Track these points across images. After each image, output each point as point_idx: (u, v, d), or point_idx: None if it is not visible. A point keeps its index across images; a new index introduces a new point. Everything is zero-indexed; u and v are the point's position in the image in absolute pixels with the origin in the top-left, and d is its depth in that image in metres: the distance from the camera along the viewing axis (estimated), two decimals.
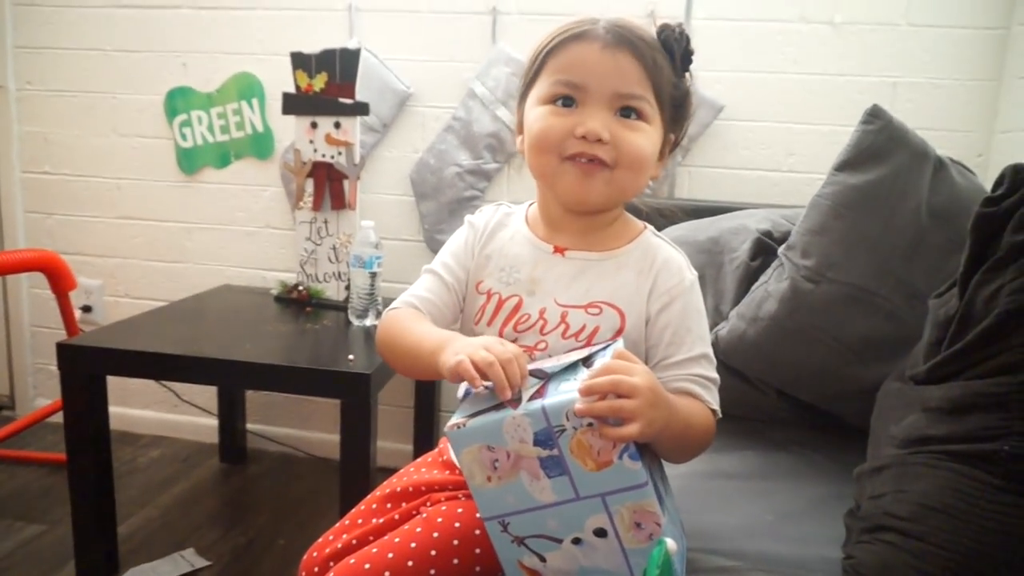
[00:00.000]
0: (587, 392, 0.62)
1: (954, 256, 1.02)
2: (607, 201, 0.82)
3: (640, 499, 0.63)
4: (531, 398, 0.64)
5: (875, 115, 1.15)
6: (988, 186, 0.91)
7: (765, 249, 1.26)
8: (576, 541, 0.66)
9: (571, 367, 0.68)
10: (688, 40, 0.83)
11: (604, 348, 0.71)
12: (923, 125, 1.68)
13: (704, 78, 1.77)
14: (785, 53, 1.75)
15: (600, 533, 0.65)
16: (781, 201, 1.70)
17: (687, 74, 0.84)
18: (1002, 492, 0.65)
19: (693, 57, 0.83)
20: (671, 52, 0.81)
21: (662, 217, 0.91)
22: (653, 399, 0.64)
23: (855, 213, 1.12)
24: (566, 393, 0.63)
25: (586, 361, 0.69)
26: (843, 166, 1.16)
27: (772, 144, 1.79)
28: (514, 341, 0.82)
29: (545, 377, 0.69)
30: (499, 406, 0.65)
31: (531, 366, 0.71)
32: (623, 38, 0.78)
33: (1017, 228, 0.70)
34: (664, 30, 0.82)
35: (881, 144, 1.13)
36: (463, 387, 0.73)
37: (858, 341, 1.12)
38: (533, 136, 0.81)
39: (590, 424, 0.61)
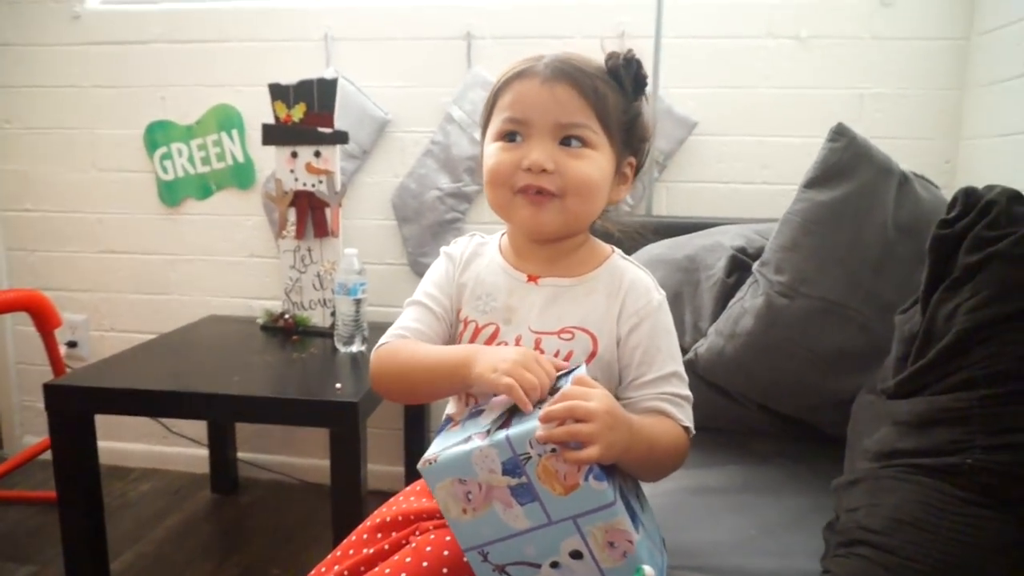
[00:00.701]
0: (546, 419, 0.64)
1: (920, 268, 1.05)
2: (562, 229, 0.84)
3: (610, 519, 0.65)
4: (498, 428, 0.67)
5: (840, 133, 1.18)
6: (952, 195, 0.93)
7: (740, 265, 1.29)
8: (554, 565, 0.68)
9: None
10: (639, 65, 0.85)
11: (568, 374, 0.73)
12: (892, 134, 1.74)
13: (677, 95, 1.81)
14: (755, 68, 1.79)
15: (576, 555, 0.67)
16: (757, 213, 1.73)
17: (643, 98, 0.86)
18: (968, 504, 0.67)
19: (647, 81, 0.86)
20: (618, 79, 0.83)
21: (629, 239, 0.93)
22: (611, 422, 0.66)
23: (824, 229, 1.15)
24: (528, 421, 0.65)
25: (552, 390, 0.71)
26: (811, 183, 1.19)
27: (746, 158, 1.83)
28: None
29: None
30: (468, 439, 0.67)
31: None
32: (560, 71, 0.81)
33: (970, 249, 0.73)
34: (610, 59, 0.84)
35: (847, 161, 1.16)
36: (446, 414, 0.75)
37: (833, 353, 1.15)
38: (487, 172, 0.84)
39: (553, 450, 0.64)
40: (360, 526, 0.99)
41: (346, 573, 0.90)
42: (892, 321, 0.99)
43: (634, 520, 0.68)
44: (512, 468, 0.65)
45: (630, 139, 0.87)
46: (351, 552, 0.95)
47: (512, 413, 0.69)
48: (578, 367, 0.74)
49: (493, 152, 0.84)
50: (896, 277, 1.12)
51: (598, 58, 0.85)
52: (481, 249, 0.93)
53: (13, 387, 2.23)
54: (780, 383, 1.20)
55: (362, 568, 0.89)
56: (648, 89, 0.88)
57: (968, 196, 0.77)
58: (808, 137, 1.77)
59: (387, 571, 0.85)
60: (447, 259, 0.93)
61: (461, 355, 0.77)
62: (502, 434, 0.65)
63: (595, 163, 0.82)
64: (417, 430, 1.95)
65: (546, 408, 0.64)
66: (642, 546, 0.67)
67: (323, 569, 0.93)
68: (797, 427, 1.27)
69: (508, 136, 0.83)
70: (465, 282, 0.90)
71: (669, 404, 0.80)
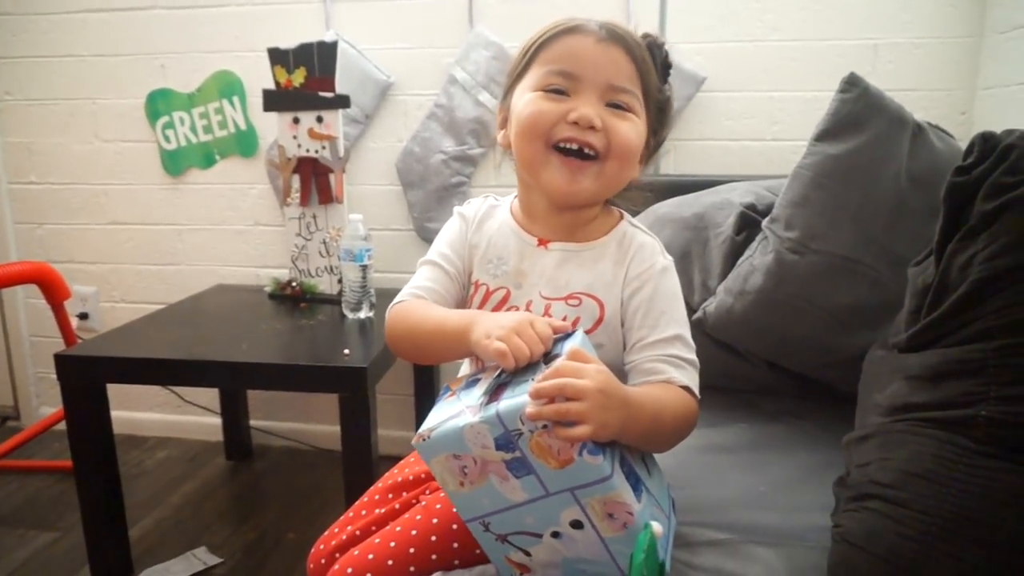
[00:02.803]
0: (536, 395, 0.62)
1: (935, 221, 1.02)
2: (594, 196, 0.83)
3: (608, 492, 0.63)
4: (489, 401, 0.65)
5: (852, 83, 1.15)
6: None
7: (749, 223, 1.27)
8: (555, 535, 0.67)
9: (531, 365, 0.68)
10: (667, 53, 0.86)
11: (567, 337, 0.71)
12: (905, 86, 1.69)
13: (684, 50, 1.77)
14: (764, 21, 1.74)
15: (576, 525, 0.66)
16: (766, 170, 1.70)
17: (667, 84, 0.86)
18: (981, 456, 0.66)
19: (671, 70, 0.87)
20: (654, 58, 0.84)
21: (631, 203, 0.91)
22: (604, 401, 0.63)
23: (836, 183, 1.13)
24: (518, 397, 0.63)
25: (548, 356, 0.69)
26: (822, 136, 1.16)
27: (755, 113, 1.79)
28: None
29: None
30: (461, 413, 0.66)
31: None
32: (616, 34, 0.80)
33: (987, 197, 0.70)
34: (647, 37, 0.84)
35: (859, 112, 1.13)
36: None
37: (844, 310, 1.13)
38: (523, 120, 0.81)
39: (545, 426, 0.62)
40: (372, 487, 1.01)
41: (358, 533, 0.92)
42: (905, 276, 0.97)
43: (636, 488, 0.68)
44: (505, 443, 0.63)
45: (659, 120, 0.86)
46: (363, 512, 0.96)
47: (508, 384, 0.67)
48: (576, 331, 0.72)
49: (532, 101, 0.81)
50: (909, 231, 1.10)
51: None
52: (493, 211, 0.92)
53: (27, 359, 2.25)
54: (790, 341, 1.19)
55: (374, 527, 0.91)
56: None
57: (986, 141, 0.75)
58: (819, 91, 1.73)
59: (398, 529, 0.86)
60: (460, 219, 0.92)
61: (464, 320, 0.76)
62: (492, 409, 0.63)
63: (638, 129, 0.81)
64: (427, 395, 1.96)
65: (536, 384, 0.62)
66: (643, 516, 0.66)
67: (336, 529, 0.95)
68: (806, 385, 1.26)
69: (553, 88, 0.80)
70: (477, 243, 0.89)
71: (670, 366, 0.78)
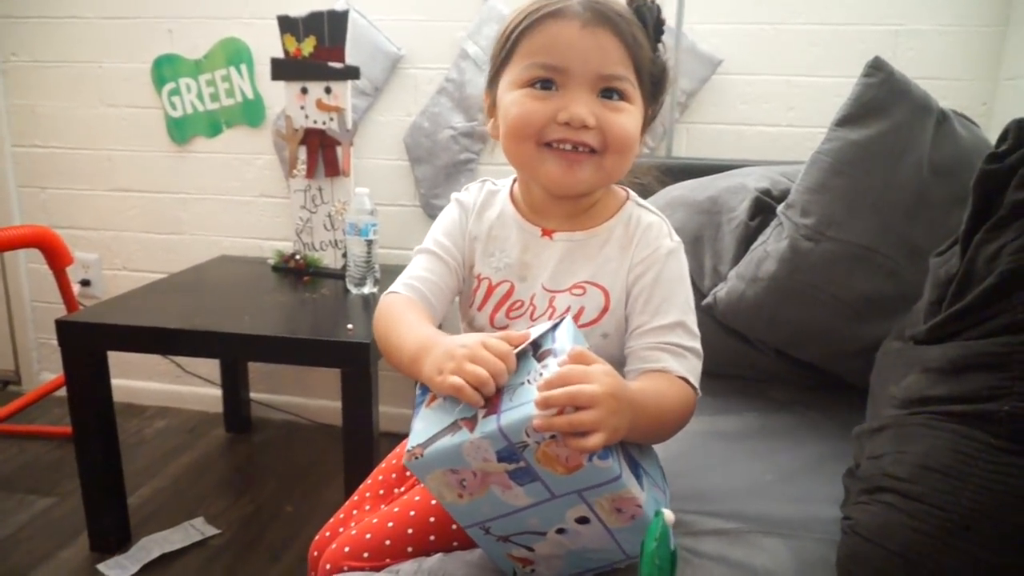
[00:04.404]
0: (544, 405, 0.58)
1: (956, 212, 1.00)
2: (595, 187, 0.80)
3: (617, 490, 0.61)
4: (487, 412, 0.61)
5: (876, 67, 1.12)
6: (992, 137, 0.88)
7: (764, 208, 1.24)
8: (560, 531, 0.66)
9: (522, 362, 0.64)
10: (659, 10, 0.80)
11: (554, 328, 0.66)
12: (926, 74, 1.66)
13: (701, 31, 1.73)
14: (784, 4, 1.71)
15: (583, 521, 0.64)
16: (781, 157, 1.67)
17: (660, 46, 0.81)
18: (1002, 452, 0.65)
19: (664, 27, 0.81)
20: (645, 23, 0.78)
21: (634, 176, 0.88)
22: (614, 406, 0.60)
23: (856, 170, 1.10)
24: (521, 406, 0.59)
25: (537, 350, 0.65)
26: (843, 121, 1.13)
27: (771, 98, 1.76)
28: (505, 327, 0.80)
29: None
30: (454, 425, 0.61)
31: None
32: (602, 15, 0.73)
33: (1020, 185, 0.68)
34: (635, 1, 0.79)
35: (883, 98, 1.10)
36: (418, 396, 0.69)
37: (858, 300, 1.11)
38: (511, 122, 0.76)
39: (552, 436, 0.58)
40: (376, 468, 0.99)
41: (365, 520, 0.90)
42: (923, 267, 0.95)
43: (638, 474, 0.65)
44: (508, 455, 0.60)
45: (656, 91, 0.81)
46: (367, 495, 0.95)
47: (501, 390, 0.62)
48: (564, 319, 0.67)
49: (518, 100, 0.75)
50: (930, 221, 1.08)
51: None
52: (492, 198, 0.87)
53: (29, 324, 2.24)
54: (801, 329, 1.17)
55: (383, 507, 0.90)
56: (671, 25, 0.83)
57: (1021, 129, 0.72)
58: (838, 77, 1.70)
59: (395, 509, 0.85)
60: (459, 207, 0.88)
61: (415, 348, 0.70)
62: (493, 424, 0.59)
63: (634, 118, 0.77)
64: None
65: (543, 393, 0.58)
66: (649, 503, 0.64)
67: (342, 515, 0.94)
68: (815, 374, 1.24)
69: (540, 83, 0.75)
70: (477, 234, 0.85)
71: (670, 355, 0.74)
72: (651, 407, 0.68)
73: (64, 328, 1.40)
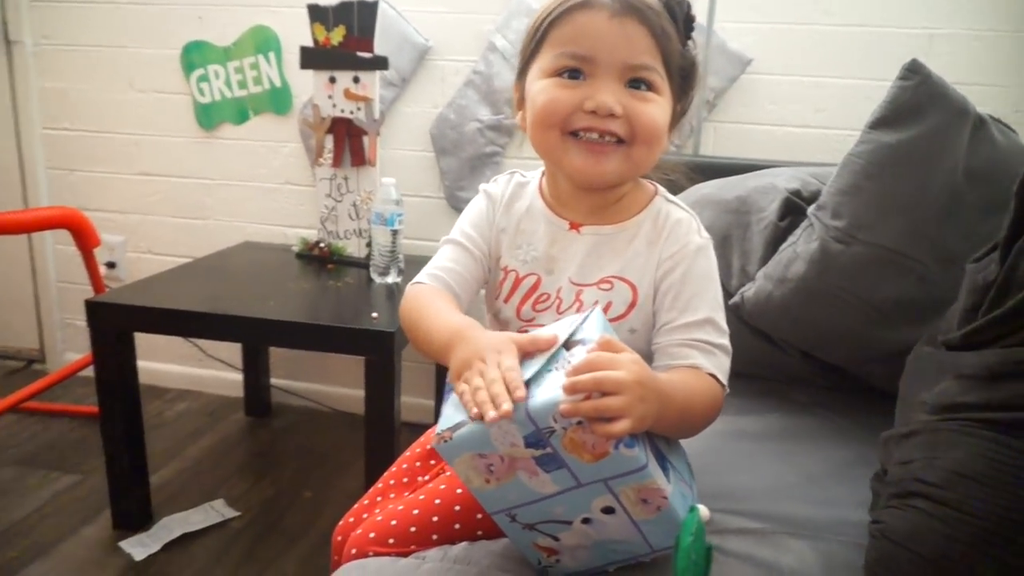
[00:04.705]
0: (571, 390, 0.58)
1: (991, 219, 0.99)
2: (622, 179, 0.80)
3: (643, 480, 0.62)
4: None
5: (913, 70, 1.11)
6: None
7: (794, 209, 1.24)
8: (586, 521, 0.66)
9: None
10: (689, 6, 0.80)
11: (583, 320, 0.67)
12: (959, 79, 1.62)
13: (731, 30, 1.72)
14: (817, 4, 1.69)
15: (608, 511, 0.65)
16: (809, 158, 1.66)
17: (690, 42, 0.81)
18: None
19: (694, 24, 0.81)
20: (675, 18, 0.78)
21: (670, 181, 0.88)
22: (641, 392, 0.60)
23: (889, 173, 1.09)
24: (549, 392, 0.60)
25: (568, 342, 0.65)
26: (877, 124, 1.12)
27: (801, 99, 1.75)
28: (532, 320, 0.81)
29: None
30: None
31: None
32: (630, 6, 0.74)
33: None
34: None
35: (919, 101, 1.09)
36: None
37: (888, 304, 1.10)
38: (537, 110, 0.77)
39: (579, 422, 0.59)
40: (400, 456, 1.00)
41: (390, 506, 0.91)
42: (954, 273, 0.94)
43: (664, 467, 0.66)
44: (535, 441, 0.61)
45: (685, 86, 0.81)
46: (392, 482, 0.96)
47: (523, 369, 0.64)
48: (593, 311, 0.68)
49: (546, 88, 0.76)
50: (963, 227, 1.07)
51: None
52: (521, 191, 0.87)
53: (54, 305, 2.27)
54: (829, 332, 1.16)
55: (407, 494, 0.90)
56: (701, 22, 0.82)
57: None
58: (869, 80, 1.68)
59: (421, 497, 0.85)
60: (486, 198, 0.88)
61: (447, 336, 0.71)
62: (521, 407, 0.60)
63: (661, 108, 0.77)
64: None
65: (571, 379, 0.59)
66: (675, 496, 0.64)
67: (366, 502, 0.94)
68: (841, 377, 1.24)
69: (568, 72, 0.75)
70: (505, 227, 0.86)
71: (699, 352, 0.75)
72: (679, 399, 0.68)
73: (93, 309, 1.42)
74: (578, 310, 0.79)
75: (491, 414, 0.59)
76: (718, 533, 0.82)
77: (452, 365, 0.68)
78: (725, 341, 0.77)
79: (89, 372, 1.48)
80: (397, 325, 1.36)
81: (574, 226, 0.82)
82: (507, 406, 0.58)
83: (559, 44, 0.76)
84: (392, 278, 1.65)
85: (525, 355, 0.65)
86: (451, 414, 0.65)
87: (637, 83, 0.75)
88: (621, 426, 0.59)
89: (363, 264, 1.77)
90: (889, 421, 0.92)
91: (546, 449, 0.61)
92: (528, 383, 0.62)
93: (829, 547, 0.80)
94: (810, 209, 1.19)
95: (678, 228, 0.80)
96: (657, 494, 0.63)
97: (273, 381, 2.14)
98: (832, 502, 0.90)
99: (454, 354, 0.68)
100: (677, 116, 0.82)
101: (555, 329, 0.68)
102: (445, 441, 0.63)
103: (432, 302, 0.79)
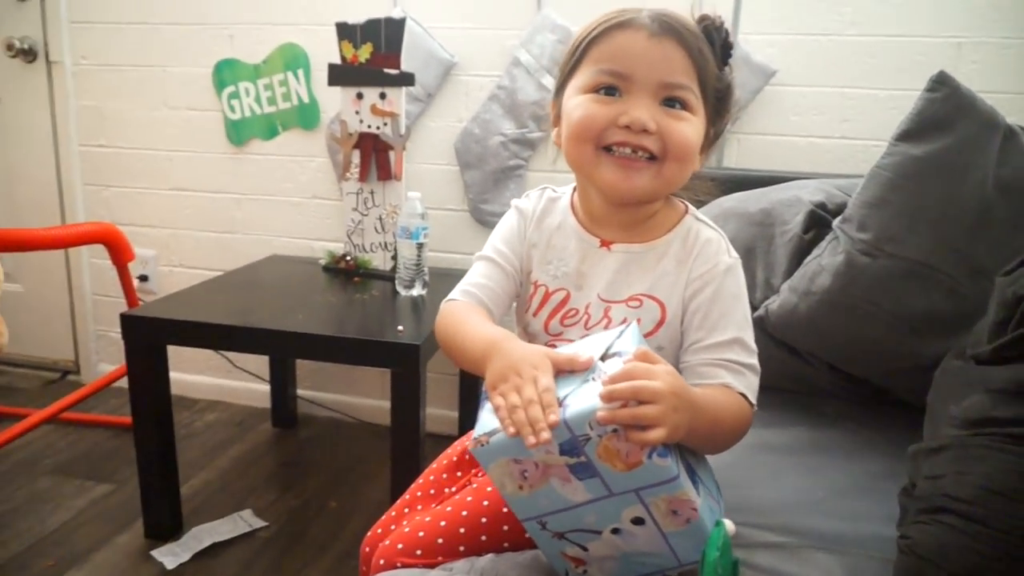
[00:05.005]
0: (608, 398, 0.61)
1: (1022, 231, 0.99)
2: (652, 195, 0.80)
3: (674, 491, 0.63)
4: None
5: (941, 82, 1.10)
6: None
7: (819, 221, 1.23)
8: (615, 531, 0.67)
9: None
10: (727, 33, 0.81)
11: (619, 335, 0.69)
12: (989, 88, 1.62)
13: (755, 41, 1.72)
14: (842, 14, 1.69)
15: (638, 522, 0.65)
16: (834, 169, 1.65)
17: (727, 67, 0.82)
18: None
19: (732, 51, 0.82)
20: (712, 43, 0.79)
21: (694, 193, 0.88)
22: (676, 403, 0.62)
23: (916, 185, 1.09)
24: (587, 401, 0.61)
25: (604, 355, 0.67)
26: (904, 136, 1.12)
27: (826, 110, 1.74)
28: (559, 335, 0.83)
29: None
30: None
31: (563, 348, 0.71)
32: (669, 27, 0.76)
33: None
34: (704, 20, 0.80)
35: (946, 113, 1.08)
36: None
37: (916, 317, 1.10)
38: (573, 124, 0.78)
39: (615, 430, 0.61)
40: (427, 468, 1.01)
41: (417, 518, 0.92)
42: (983, 286, 0.94)
43: (694, 480, 0.67)
44: (570, 449, 0.62)
45: (719, 109, 0.82)
46: (419, 494, 0.97)
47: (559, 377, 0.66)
48: (629, 325, 0.70)
49: (582, 103, 0.78)
50: (992, 240, 1.06)
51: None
52: (552, 206, 0.89)
53: (89, 317, 2.33)
54: (855, 345, 1.16)
55: (434, 506, 0.91)
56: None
57: None
58: (895, 90, 1.67)
59: (448, 509, 0.86)
60: (518, 214, 0.90)
61: (483, 347, 0.73)
62: (559, 415, 0.61)
63: (695, 128, 0.78)
64: (473, 376, 1.97)
65: (608, 387, 0.61)
66: (704, 509, 0.65)
67: (394, 513, 0.96)
68: (867, 390, 1.23)
69: (604, 89, 0.77)
70: (536, 242, 0.87)
71: (727, 371, 0.76)
72: (710, 412, 0.69)
73: (128, 322, 1.46)
74: (606, 327, 0.80)
75: (531, 440, 0.61)
76: (744, 547, 0.82)
77: (488, 376, 0.70)
78: (754, 361, 0.78)
79: (123, 383, 1.51)
80: (422, 338, 1.38)
81: (605, 243, 0.84)
82: (546, 435, 0.60)
83: (597, 61, 0.77)
84: (417, 291, 1.67)
85: (559, 372, 0.67)
86: (488, 419, 0.67)
87: (672, 102, 0.77)
88: (656, 434, 0.60)
89: (388, 277, 1.79)
90: (917, 434, 0.91)
91: (580, 457, 0.62)
92: (562, 391, 0.64)
93: (856, 562, 0.79)
94: (835, 222, 1.18)
95: (708, 248, 0.81)
96: (687, 505, 0.64)
97: (300, 392, 2.16)
98: (859, 516, 0.89)
99: (490, 365, 0.71)
100: (711, 139, 0.83)
101: (590, 344, 0.70)
102: (482, 445, 0.65)
103: (467, 316, 0.82)
